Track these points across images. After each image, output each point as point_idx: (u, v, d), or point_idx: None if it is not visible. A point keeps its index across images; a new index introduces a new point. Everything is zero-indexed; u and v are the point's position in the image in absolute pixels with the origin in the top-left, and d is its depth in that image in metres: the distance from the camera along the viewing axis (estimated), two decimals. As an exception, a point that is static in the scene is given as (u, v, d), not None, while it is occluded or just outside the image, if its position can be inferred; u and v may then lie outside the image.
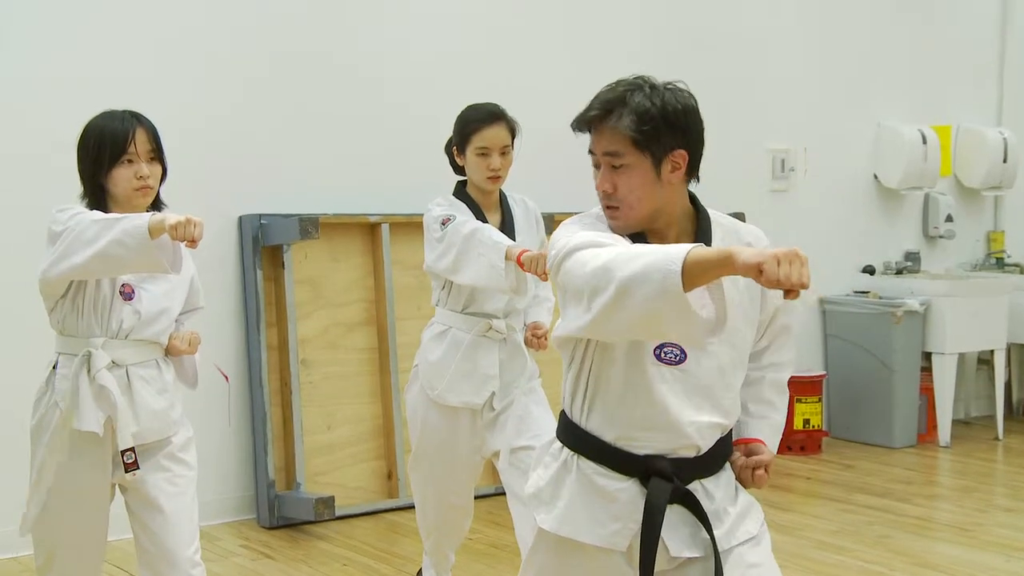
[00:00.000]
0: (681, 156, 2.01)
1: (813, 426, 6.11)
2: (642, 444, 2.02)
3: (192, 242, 2.53)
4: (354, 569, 4.17)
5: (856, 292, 6.55)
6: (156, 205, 2.83)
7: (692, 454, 2.04)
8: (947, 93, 6.98)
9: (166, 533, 2.76)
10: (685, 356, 2.01)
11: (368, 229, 5.02)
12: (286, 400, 4.76)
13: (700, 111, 2.05)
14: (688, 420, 2.01)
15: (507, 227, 3.36)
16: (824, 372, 6.38)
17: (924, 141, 6.58)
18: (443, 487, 3.45)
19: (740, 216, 5.08)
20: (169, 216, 2.53)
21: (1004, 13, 7.23)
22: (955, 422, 6.45)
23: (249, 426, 4.78)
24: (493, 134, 3.29)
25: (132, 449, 2.72)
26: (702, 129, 2.05)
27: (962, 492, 5.35)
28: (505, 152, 3.31)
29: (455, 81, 5.09)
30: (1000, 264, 7.15)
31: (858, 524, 4.75)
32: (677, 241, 2.01)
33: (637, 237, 2.04)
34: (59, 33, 4.40)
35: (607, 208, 2.04)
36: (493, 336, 3.34)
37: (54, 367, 2.79)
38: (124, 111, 2.79)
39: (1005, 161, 6.90)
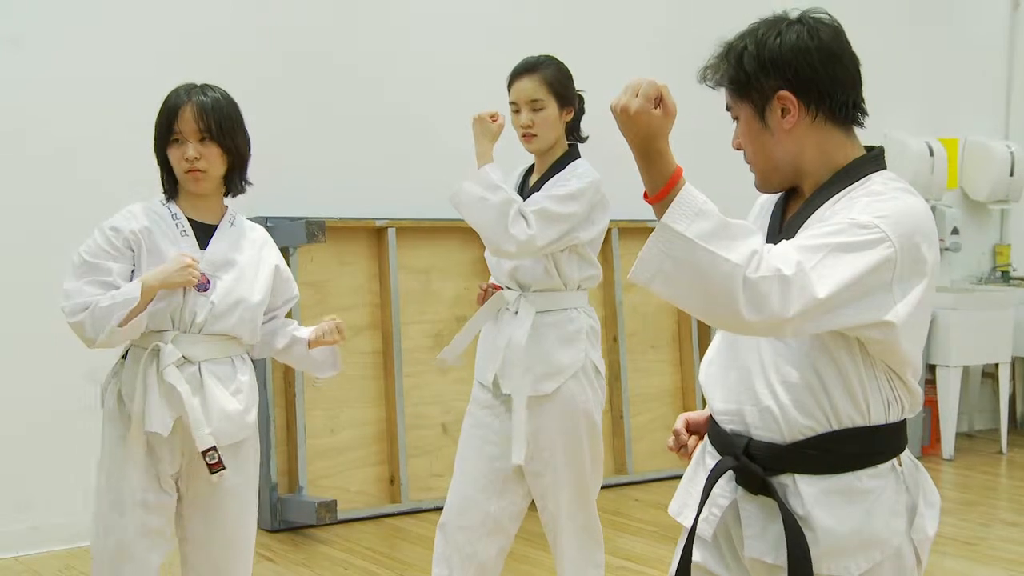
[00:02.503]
0: (788, 99, 1.77)
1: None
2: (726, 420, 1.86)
3: (201, 282, 2.54)
4: (355, 573, 4.16)
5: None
6: (233, 190, 2.71)
7: (773, 440, 1.79)
8: (955, 105, 6.99)
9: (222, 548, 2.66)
10: None
11: (374, 233, 5.02)
12: (290, 403, 4.75)
13: (836, 48, 1.80)
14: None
15: (533, 189, 3.08)
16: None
17: (931, 153, 6.58)
18: None
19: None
20: (154, 276, 2.50)
21: (1012, 26, 7.24)
22: (959, 435, 6.44)
23: (252, 429, 4.77)
24: (520, 88, 3.05)
25: (214, 448, 2.55)
26: (829, 68, 1.78)
27: (966, 506, 5.33)
28: (537, 107, 3.03)
29: (463, 86, 5.09)
30: (1006, 277, 7.14)
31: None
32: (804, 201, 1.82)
33: (791, 194, 1.87)
34: (62, 35, 4.41)
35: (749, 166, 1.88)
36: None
37: (123, 357, 2.65)
38: (191, 84, 2.65)
39: (1012, 175, 6.90)
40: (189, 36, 4.66)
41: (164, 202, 2.67)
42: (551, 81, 3.03)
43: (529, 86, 3.03)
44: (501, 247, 2.94)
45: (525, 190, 3.12)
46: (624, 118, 1.63)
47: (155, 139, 2.62)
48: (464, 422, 3.22)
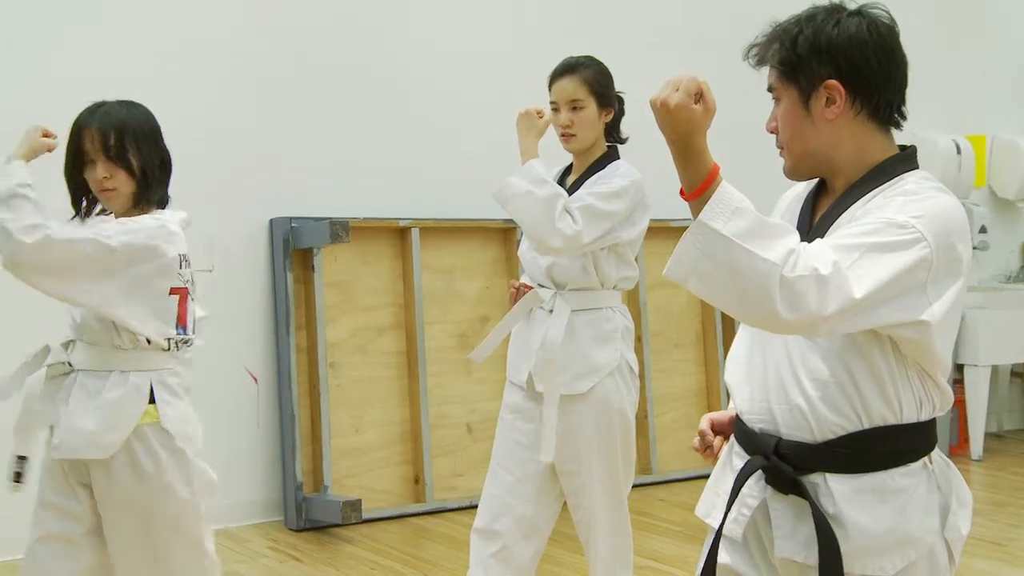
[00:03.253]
0: (836, 89, 1.75)
1: None
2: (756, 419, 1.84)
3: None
4: (381, 573, 4.16)
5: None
6: (146, 206, 2.61)
7: (803, 439, 1.78)
8: (982, 103, 6.93)
9: None
10: None
11: (398, 233, 5.03)
12: (314, 403, 4.76)
13: (891, 45, 1.78)
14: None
15: (574, 186, 3.07)
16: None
17: (958, 151, 6.53)
18: None
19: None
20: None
21: (1041, 23, 7.17)
22: (988, 435, 6.38)
23: (277, 428, 4.79)
24: (560, 87, 3.05)
25: (24, 458, 2.54)
26: (883, 64, 1.76)
27: (995, 506, 5.27)
28: (577, 107, 3.02)
29: (486, 87, 5.09)
30: (1035, 276, 7.08)
31: None
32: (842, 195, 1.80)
33: (822, 187, 1.86)
34: (83, 35, 4.43)
35: (779, 150, 1.87)
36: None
37: None
38: (98, 103, 2.61)
39: (1041, 172, 6.84)
40: (211, 36, 4.68)
41: (82, 219, 2.66)
42: (591, 81, 3.03)
43: (569, 86, 3.04)
44: (547, 242, 2.92)
45: (564, 189, 3.11)
46: (664, 112, 1.63)
47: (65, 162, 2.60)
48: (498, 425, 3.22)
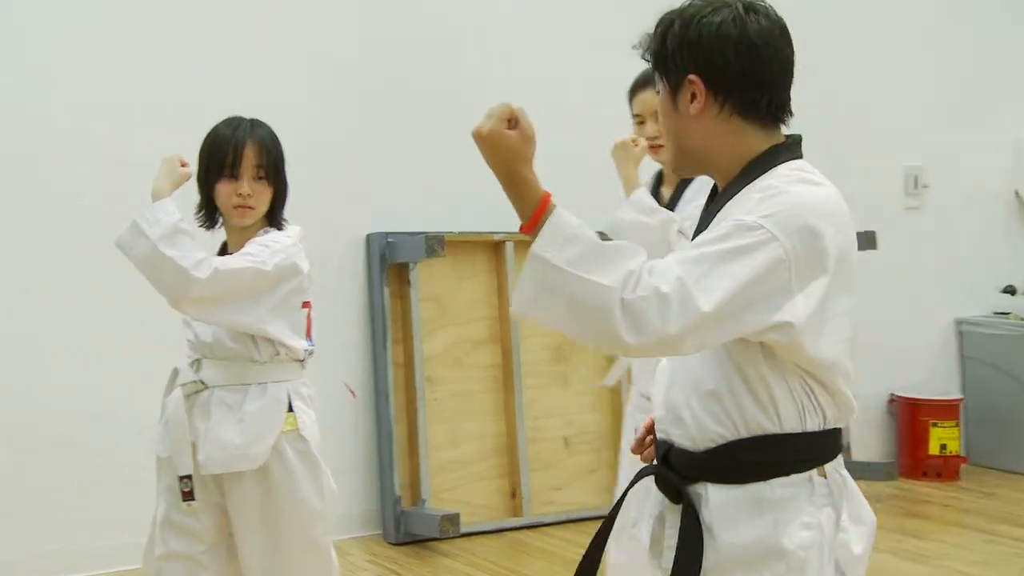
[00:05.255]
0: (695, 85, 1.68)
1: (950, 452, 5.87)
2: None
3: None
4: (479, 587, 4.17)
5: (996, 313, 6.30)
6: (276, 224, 2.70)
7: (686, 447, 1.72)
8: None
9: None
10: None
11: (492, 247, 5.04)
12: (412, 417, 4.79)
13: (759, 40, 1.67)
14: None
15: (672, 202, 3.03)
16: (961, 396, 6.13)
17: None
18: None
19: (871, 236, 5.04)
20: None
21: None
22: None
23: (375, 442, 4.83)
24: (643, 99, 3.02)
25: (189, 476, 2.59)
26: (743, 60, 1.66)
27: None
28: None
29: (575, 99, 5.08)
30: None
31: (1004, 556, 4.53)
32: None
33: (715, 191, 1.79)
34: (181, 59, 4.54)
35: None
36: None
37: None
38: (245, 119, 2.66)
39: None
40: (308, 53, 4.76)
41: (212, 231, 2.74)
42: None
43: (652, 97, 2.98)
44: None
45: (659, 201, 3.08)
46: (479, 141, 1.62)
47: (203, 171, 2.63)
48: (625, 424, 3.19)
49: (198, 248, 2.49)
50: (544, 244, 1.57)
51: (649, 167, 3.13)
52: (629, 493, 1.87)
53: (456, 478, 4.90)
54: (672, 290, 1.53)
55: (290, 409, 2.62)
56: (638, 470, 1.85)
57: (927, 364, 6.23)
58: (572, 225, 1.58)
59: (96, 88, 4.35)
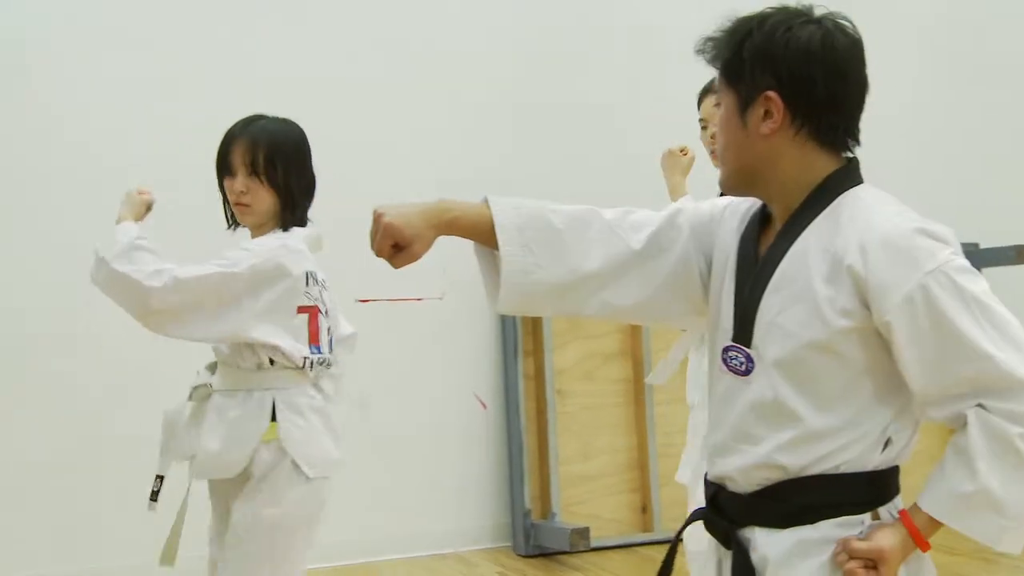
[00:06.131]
0: (773, 102, 1.57)
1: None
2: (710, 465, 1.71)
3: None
4: (608, 602, 4.12)
5: None
6: (282, 225, 2.57)
7: (736, 489, 1.64)
8: None
9: None
10: (752, 365, 1.61)
11: (624, 260, 5.00)
12: (542, 429, 4.79)
13: (846, 64, 1.57)
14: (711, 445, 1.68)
15: None
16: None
17: None
18: None
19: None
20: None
21: None
22: None
23: (506, 454, 4.84)
24: (706, 106, 3.01)
25: (161, 477, 2.56)
26: (831, 84, 1.57)
27: None
28: None
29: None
30: None
31: None
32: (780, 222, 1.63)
33: (764, 212, 1.69)
34: (346, 71, 4.64)
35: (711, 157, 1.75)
36: None
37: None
38: (253, 116, 2.60)
39: None
40: (458, 82, 4.81)
41: (233, 230, 2.68)
42: None
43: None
44: None
45: None
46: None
47: (216, 172, 2.60)
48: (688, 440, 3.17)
49: (161, 261, 2.43)
50: None
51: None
52: (685, 533, 1.81)
53: (586, 492, 4.88)
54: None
55: (274, 418, 2.50)
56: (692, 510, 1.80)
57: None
58: None
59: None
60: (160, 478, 2.56)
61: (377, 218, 1.64)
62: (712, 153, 3.00)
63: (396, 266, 1.67)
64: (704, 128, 3.03)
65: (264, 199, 2.53)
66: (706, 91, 3.03)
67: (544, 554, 4.68)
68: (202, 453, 2.51)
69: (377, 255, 1.66)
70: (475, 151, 4.82)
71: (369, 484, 4.51)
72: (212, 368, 2.60)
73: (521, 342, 4.80)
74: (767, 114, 1.59)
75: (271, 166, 2.51)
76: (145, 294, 2.38)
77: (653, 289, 1.72)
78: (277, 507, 2.48)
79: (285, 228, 2.57)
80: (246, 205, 2.54)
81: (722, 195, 2.74)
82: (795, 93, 1.57)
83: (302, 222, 2.61)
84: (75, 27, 4.30)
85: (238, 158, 2.52)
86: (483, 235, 1.69)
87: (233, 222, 2.64)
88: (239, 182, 2.52)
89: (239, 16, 4.52)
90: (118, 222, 2.56)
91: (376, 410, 4.55)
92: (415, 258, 1.66)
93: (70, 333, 4.16)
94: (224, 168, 2.56)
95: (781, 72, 1.57)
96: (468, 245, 1.71)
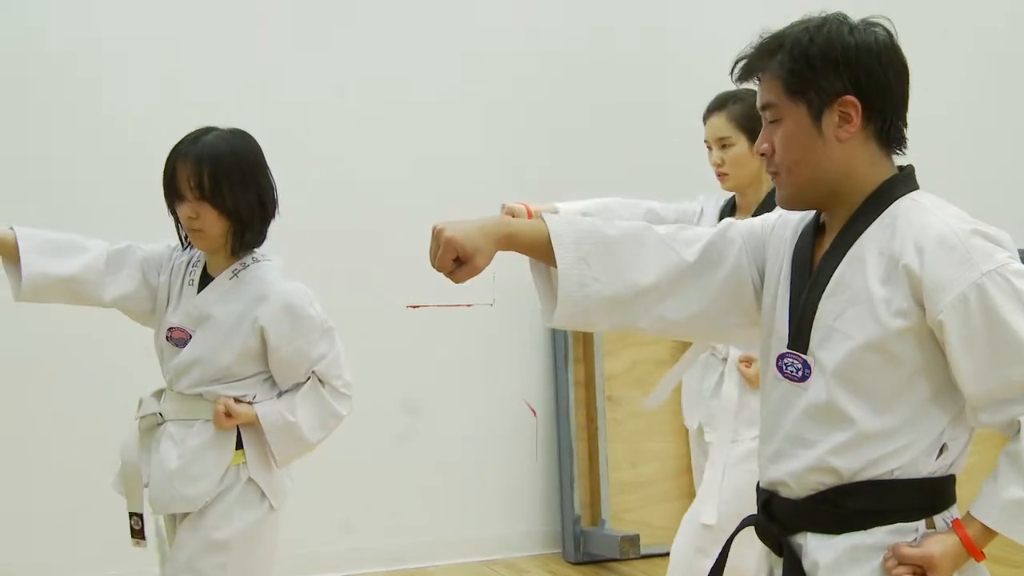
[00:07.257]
0: (851, 105, 1.59)
1: None
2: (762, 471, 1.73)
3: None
4: (659, 610, 4.10)
5: None
6: (238, 249, 2.45)
7: (789, 495, 1.66)
8: None
9: None
10: (808, 372, 1.62)
11: (675, 266, 4.98)
12: (592, 436, 4.78)
13: (903, 60, 1.62)
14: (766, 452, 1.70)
15: None
16: None
17: None
18: None
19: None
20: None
21: None
22: None
23: (555, 461, 4.84)
24: (709, 126, 2.96)
25: (139, 515, 2.46)
26: (894, 77, 1.61)
27: None
28: (725, 144, 2.91)
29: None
30: None
31: None
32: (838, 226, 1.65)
33: (818, 219, 1.70)
34: (382, 81, 4.67)
35: (772, 176, 1.70)
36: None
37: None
38: (195, 132, 2.42)
39: None
40: (500, 89, 4.82)
41: (188, 249, 2.56)
42: (738, 117, 2.89)
43: (717, 123, 2.94)
44: None
45: None
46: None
47: (164, 192, 2.44)
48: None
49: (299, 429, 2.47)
50: None
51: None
52: (733, 542, 1.83)
53: (636, 499, 4.86)
54: None
55: (240, 446, 2.44)
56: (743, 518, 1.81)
57: None
58: None
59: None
60: (138, 516, 2.49)
61: (437, 233, 1.66)
62: (717, 175, 2.96)
63: (457, 280, 1.69)
64: (709, 150, 2.97)
65: (215, 223, 2.39)
66: (709, 111, 2.97)
67: (594, 561, 4.67)
68: (160, 488, 2.42)
69: (438, 270, 1.68)
70: (518, 157, 4.82)
71: (420, 491, 4.54)
72: (158, 396, 2.52)
73: (571, 349, 4.80)
74: (843, 118, 1.60)
75: (216, 189, 2.35)
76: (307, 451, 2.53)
77: (708, 301, 1.73)
78: (229, 530, 2.41)
79: (235, 253, 2.45)
80: (198, 230, 2.40)
81: (732, 203, 2.74)
82: (871, 94, 1.60)
83: (258, 242, 2.49)
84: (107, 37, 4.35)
85: (184, 182, 2.36)
86: (540, 250, 1.71)
87: (188, 244, 2.53)
88: (188, 207, 2.38)
89: (295, 26, 4.56)
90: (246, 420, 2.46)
91: (426, 416, 4.58)
92: (476, 272, 1.68)
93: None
94: (171, 193, 2.41)
95: (857, 74, 1.59)
96: (516, 253, 1.73)
